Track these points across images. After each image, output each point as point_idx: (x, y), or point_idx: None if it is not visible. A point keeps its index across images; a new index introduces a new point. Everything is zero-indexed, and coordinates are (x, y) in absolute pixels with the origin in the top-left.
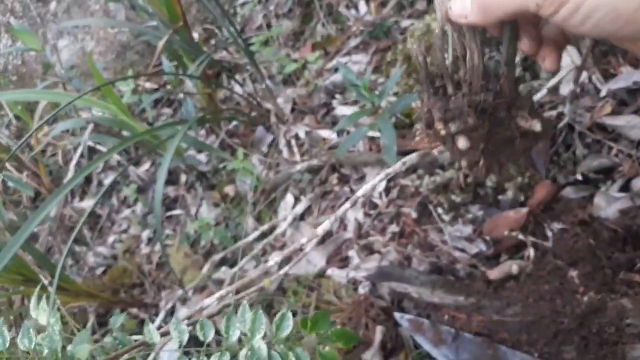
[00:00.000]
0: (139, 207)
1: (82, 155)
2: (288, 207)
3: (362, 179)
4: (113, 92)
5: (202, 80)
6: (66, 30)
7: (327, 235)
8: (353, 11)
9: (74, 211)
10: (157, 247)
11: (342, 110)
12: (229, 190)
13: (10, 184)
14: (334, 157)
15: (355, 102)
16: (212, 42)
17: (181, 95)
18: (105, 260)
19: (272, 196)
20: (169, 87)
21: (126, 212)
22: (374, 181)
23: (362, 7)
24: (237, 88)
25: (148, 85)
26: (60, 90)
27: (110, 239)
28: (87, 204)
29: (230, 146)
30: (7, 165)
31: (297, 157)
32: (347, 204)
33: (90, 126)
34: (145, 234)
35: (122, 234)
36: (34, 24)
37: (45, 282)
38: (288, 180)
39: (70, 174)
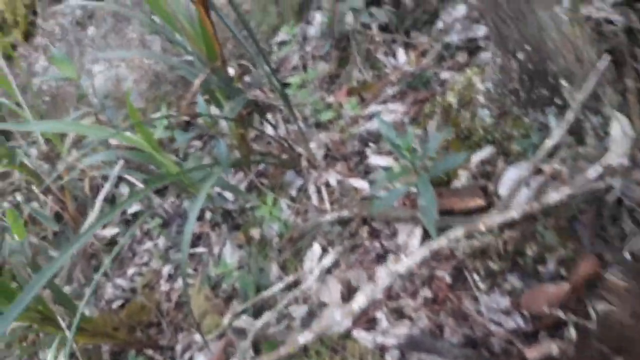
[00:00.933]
0: (161, 241)
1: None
2: (315, 258)
3: (394, 235)
4: (145, 128)
5: (236, 121)
6: (102, 56)
7: (355, 291)
8: (391, 59)
9: (95, 239)
10: (178, 284)
11: (376, 160)
12: (255, 233)
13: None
14: (365, 209)
15: (389, 153)
16: (247, 78)
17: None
18: (123, 294)
19: (298, 244)
20: (201, 121)
21: (148, 244)
22: (415, 257)
23: (401, 55)
24: (269, 128)
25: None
26: (92, 118)
27: (131, 270)
28: (110, 232)
29: (258, 187)
30: (33, 188)
31: (327, 206)
32: (385, 279)
33: (120, 162)
34: (167, 269)
35: (142, 267)
36: (71, 47)
37: (63, 324)
38: (316, 229)
39: (98, 205)
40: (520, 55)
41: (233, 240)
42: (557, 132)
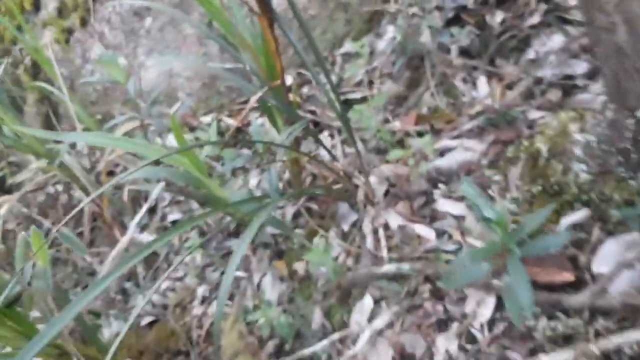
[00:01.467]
0: (199, 256)
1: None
2: (365, 312)
3: (461, 300)
4: (193, 153)
5: (291, 148)
6: (157, 49)
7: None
8: (470, 87)
9: (131, 243)
10: (212, 308)
11: (446, 206)
12: (300, 267)
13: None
14: (430, 268)
15: (462, 198)
16: (305, 89)
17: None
18: (154, 309)
19: (348, 293)
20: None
21: (187, 258)
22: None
23: (483, 85)
24: (324, 151)
25: (230, 121)
26: (137, 123)
27: (164, 284)
28: (147, 238)
29: (305, 216)
30: (73, 187)
31: (384, 253)
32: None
33: (162, 184)
34: (202, 290)
35: (176, 282)
36: (126, 37)
37: None
38: (370, 280)
39: (135, 223)
40: None
41: (274, 271)
42: None
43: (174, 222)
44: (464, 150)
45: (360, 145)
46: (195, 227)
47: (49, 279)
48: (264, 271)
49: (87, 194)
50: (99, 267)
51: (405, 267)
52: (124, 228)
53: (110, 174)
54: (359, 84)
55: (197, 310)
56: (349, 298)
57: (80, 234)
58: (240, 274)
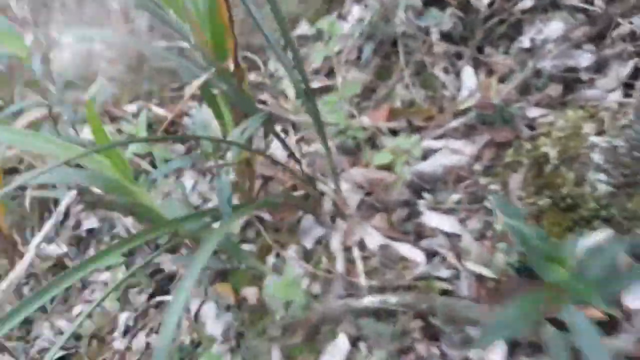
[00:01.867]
0: (121, 273)
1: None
2: (340, 356)
3: (464, 342)
4: (117, 154)
5: (244, 147)
6: (73, 25)
7: None
8: (454, 79)
9: (37, 256)
10: (139, 342)
11: (433, 220)
12: (250, 294)
13: None
14: (425, 302)
15: (452, 211)
16: (252, 76)
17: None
18: (64, 342)
19: (315, 330)
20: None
21: (105, 274)
22: None
23: (469, 76)
24: (279, 150)
25: (161, 111)
26: (44, 111)
27: (77, 309)
28: (56, 250)
29: (258, 227)
30: None
31: (362, 279)
32: None
33: (73, 193)
34: (124, 316)
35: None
36: (37, 11)
37: None
38: (346, 315)
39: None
40: None
41: (218, 297)
42: None
43: (90, 231)
44: (451, 153)
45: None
46: (115, 238)
47: None
48: (203, 297)
49: None
50: None
51: (392, 299)
52: (27, 239)
53: (14, 171)
54: (317, 71)
55: (118, 343)
56: (317, 336)
57: None
58: (172, 298)
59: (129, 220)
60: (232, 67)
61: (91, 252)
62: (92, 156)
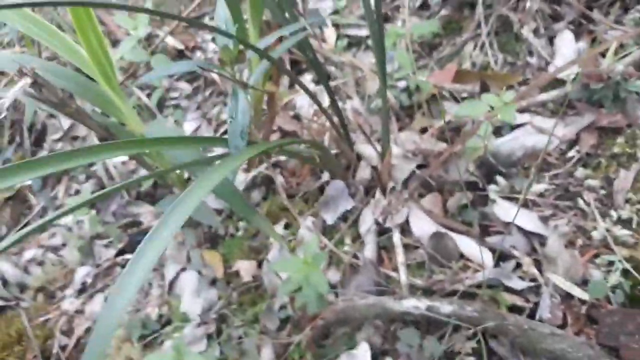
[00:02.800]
0: (87, 222)
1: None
2: None
3: None
4: (98, 31)
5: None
6: None
7: None
8: (545, 44)
9: None
10: (92, 307)
11: (507, 213)
12: (244, 268)
13: None
14: (491, 319)
15: (535, 204)
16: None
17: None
18: (4, 291)
19: (326, 331)
20: (202, 54)
21: (69, 218)
22: None
23: (567, 42)
24: (307, 101)
25: (170, 41)
26: None
27: (29, 253)
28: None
29: (269, 186)
30: None
31: (402, 273)
32: None
33: (23, 82)
34: (83, 272)
35: (48, 252)
36: None
37: None
38: (374, 318)
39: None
40: None
41: (203, 266)
42: None
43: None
44: (536, 132)
45: (361, 103)
46: (91, 178)
47: None
48: (183, 263)
49: None
50: None
51: (446, 308)
52: None
53: None
54: (363, 17)
55: (69, 303)
56: (327, 339)
57: None
58: (138, 248)
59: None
60: None
61: (60, 189)
62: (68, 45)
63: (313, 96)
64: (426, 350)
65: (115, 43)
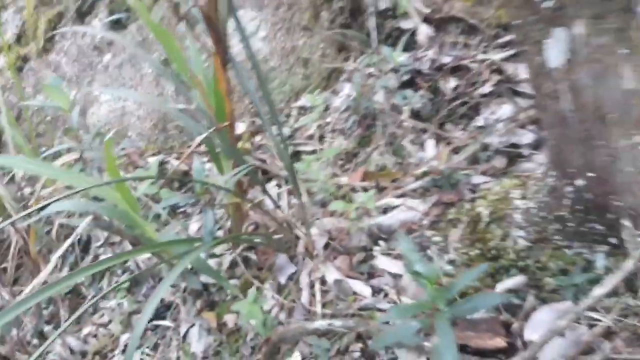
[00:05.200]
0: (127, 302)
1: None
2: None
3: None
4: (125, 187)
5: (234, 192)
6: (113, 86)
7: None
8: (418, 149)
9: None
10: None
11: (384, 263)
12: (230, 319)
13: None
14: (362, 326)
15: (401, 256)
16: (258, 138)
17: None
18: (71, 357)
19: (277, 349)
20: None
21: (112, 302)
22: None
23: (431, 147)
24: (268, 200)
25: (177, 164)
26: (77, 155)
27: (86, 329)
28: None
29: (242, 266)
30: None
31: (318, 308)
32: None
33: (89, 218)
34: (125, 338)
35: (100, 328)
36: (84, 70)
37: None
38: (300, 336)
39: (57, 256)
40: (580, 183)
41: (203, 322)
42: (610, 280)
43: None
44: (407, 209)
45: (305, 197)
46: (127, 272)
47: None
48: (192, 322)
49: (15, 227)
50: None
51: (337, 323)
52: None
53: (45, 208)
54: (311, 137)
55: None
56: (278, 354)
57: (4, 270)
58: (167, 323)
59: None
60: (227, 125)
61: (104, 282)
62: (108, 192)
63: (274, 200)
64: (330, 351)
65: (136, 167)
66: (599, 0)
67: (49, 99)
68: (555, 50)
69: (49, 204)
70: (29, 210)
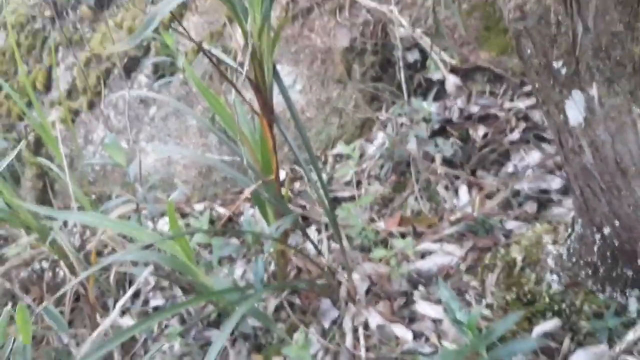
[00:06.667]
0: (177, 345)
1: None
2: None
3: None
4: (184, 240)
5: (280, 240)
6: (159, 137)
7: None
8: (452, 195)
9: (111, 326)
10: None
11: (424, 308)
12: None
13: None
14: None
15: (440, 301)
16: (297, 184)
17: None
18: None
19: None
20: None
21: (164, 344)
22: None
23: (464, 193)
24: (311, 246)
25: (222, 210)
26: (133, 206)
27: None
28: (127, 322)
29: (287, 310)
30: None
31: (363, 352)
32: None
33: (150, 268)
34: None
35: None
36: (131, 122)
37: None
38: None
39: (119, 306)
40: (607, 230)
41: None
42: None
43: (155, 308)
44: (444, 254)
45: (345, 242)
46: (177, 315)
47: (29, 358)
48: None
49: (74, 272)
50: (75, 349)
51: None
52: (105, 310)
53: (99, 254)
54: (348, 183)
55: None
56: None
57: (60, 313)
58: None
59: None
60: (273, 179)
61: (154, 327)
62: (166, 242)
63: (316, 246)
64: None
65: (182, 214)
66: (611, 66)
67: (103, 153)
68: (573, 110)
69: (124, 254)
70: (97, 267)
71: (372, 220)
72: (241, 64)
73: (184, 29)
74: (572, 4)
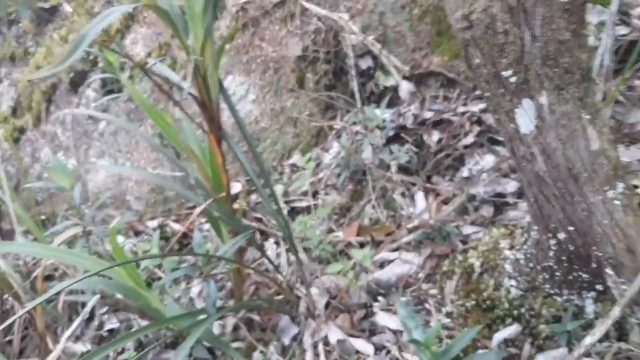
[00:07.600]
0: None
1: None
2: None
3: None
4: (132, 269)
5: (233, 260)
6: (109, 152)
7: None
8: (409, 201)
9: (64, 353)
10: None
11: (384, 320)
12: None
13: None
14: None
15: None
16: (254, 197)
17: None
18: None
19: None
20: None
21: None
22: None
23: (420, 200)
24: (267, 261)
25: (177, 226)
26: (79, 229)
27: None
28: (81, 347)
29: (247, 326)
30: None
31: None
32: None
33: (97, 297)
34: None
35: None
36: (79, 138)
37: None
38: None
39: (66, 336)
40: (562, 236)
41: None
42: (600, 328)
43: (110, 331)
44: (402, 263)
45: (303, 255)
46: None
47: None
48: None
49: (20, 300)
50: None
51: None
52: (57, 336)
53: (48, 278)
54: (304, 193)
55: None
56: None
57: (9, 342)
58: None
59: (144, 322)
60: (224, 196)
61: (110, 352)
62: (119, 272)
63: (272, 262)
64: None
65: (135, 232)
66: (560, 74)
67: (48, 174)
68: (524, 118)
69: (68, 284)
70: (41, 298)
71: (330, 230)
72: (186, 79)
73: (122, 48)
74: (519, 12)
